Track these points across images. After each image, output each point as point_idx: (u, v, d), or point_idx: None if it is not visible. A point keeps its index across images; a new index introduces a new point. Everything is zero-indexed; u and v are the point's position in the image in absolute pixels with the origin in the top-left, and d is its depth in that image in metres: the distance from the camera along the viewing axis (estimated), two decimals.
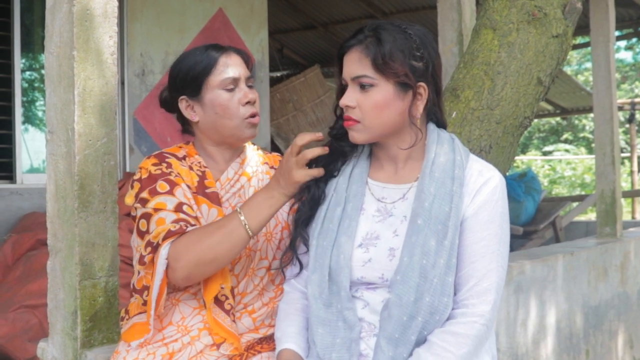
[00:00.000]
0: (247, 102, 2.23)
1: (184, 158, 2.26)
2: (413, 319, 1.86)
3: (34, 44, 6.46)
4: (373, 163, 2.11)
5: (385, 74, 1.94)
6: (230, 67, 2.23)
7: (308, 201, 2.10)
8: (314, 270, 2.02)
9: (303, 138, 2.01)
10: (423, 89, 1.97)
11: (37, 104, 6.77)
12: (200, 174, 2.22)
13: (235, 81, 2.22)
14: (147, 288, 2.07)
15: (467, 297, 1.89)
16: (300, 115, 8.63)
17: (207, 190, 2.20)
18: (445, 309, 1.87)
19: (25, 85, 6.49)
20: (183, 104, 2.27)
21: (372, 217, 2.03)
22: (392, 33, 1.96)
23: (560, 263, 4.58)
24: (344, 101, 2.00)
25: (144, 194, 2.09)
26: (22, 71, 6.25)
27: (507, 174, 2.53)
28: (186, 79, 2.24)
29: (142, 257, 2.04)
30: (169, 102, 2.32)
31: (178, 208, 2.07)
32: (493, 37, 2.72)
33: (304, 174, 2.02)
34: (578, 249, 5.05)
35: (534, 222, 8.19)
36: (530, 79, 2.68)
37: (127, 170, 6.22)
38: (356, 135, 2.01)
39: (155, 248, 2.01)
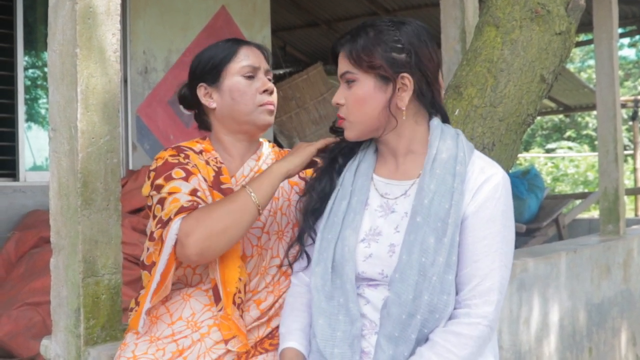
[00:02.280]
0: (265, 91, 2.27)
1: (200, 152, 2.27)
2: (412, 317, 1.86)
3: (36, 41, 6.46)
4: (379, 159, 2.12)
5: (362, 67, 1.97)
6: (251, 57, 2.28)
7: (318, 193, 2.13)
8: (318, 262, 2.03)
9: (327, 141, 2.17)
10: (407, 80, 1.96)
11: (40, 101, 6.76)
12: (216, 169, 2.24)
13: (254, 70, 2.27)
14: (155, 264, 2.05)
15: (469, 297, 1.88)
16: (303, 113, 8.64)
17: (223, 186, 2.20)
18: (445, 307, 1.86)
19: (28, 83, 6.49)
20: (202, 91, 2.30)
21: (374, 212, 2.03)
22: (374, 29, 1.99)
23: (563, 261, 4.58)
24: (334, 99, 2.06)
25: (159, 181, 2.10)
26: (25, 69, 6.25)
27: (510, 171, 2.53)
28: (206, 67, 2.28)
29: (151, 233, 2.04)
30: (187, 98, 2.36)
31: (192, 193, 2.06)
32: (496, 35, 2.71)
33: (307, 143, 2.14)
34: (581, 246, 5.05)
35: (537, 219, 8.19)
36: (533, 77, 2.68)
37: (130, 167, 6.22)
38: (346, 132, 2.07)
39: (165, 223, 1.99)
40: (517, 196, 7.93)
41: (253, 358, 2.13)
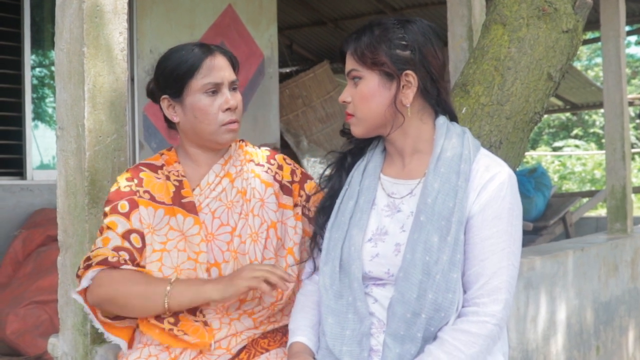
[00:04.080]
0: (228, 109, 2.22)
1: (161, 167, 2.27)
2: (417, 316, 1.86)
3: (44, 40, 6.47)
4: (386, 159, 2.13)
5: (366, 64, 1.99)
6: (214, 71, 2.21)
7: (328, 190, 2.16)
8: (326, 262, 2.04)
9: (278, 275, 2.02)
10: (412, 77, 1.98)
11: (47, 100, 6.78)
12: (176, 183, 2.24)
13: (217, 86, 2.21)
14: None
15: (477, 296, 1.88)
16: (310, 111, 8.63)
17: (184, 200, 2.21)
18: (450, 306, 1.86)
19: (35, 81, 6.50)
20: (165, 103, 2.28)
21: (381, 212, 2.04)
22: (380, 27, 2.01)
23: (571, 259, 4.57)
24: (341, 97, 2.07)
25: (107, 208, 2.17)
26: (32, 68, 6.26)
27: (517, 169, 2.52)
28: (169, 79, 2.24)
29: (79, 267, 2.11)
30: (155, 94, 2.33)
31: (126, 235, 2.13)
32: (503, 33, 2.71)
33: (246, 283, 2.02)
34: (588, 244, 5.04)
35: (544, 218, 8.17)
36: (540, 75, 2.67)
37: None
38: (353, 129, 2.08)
39: (88, 267, 2.08)
40: (524, 194, 7.92)
41: (255, 358, 2.14)
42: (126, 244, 2.12)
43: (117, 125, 2.47)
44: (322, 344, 2.01)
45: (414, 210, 1.97)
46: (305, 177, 2.41)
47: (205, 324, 2.11)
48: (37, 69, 6.59)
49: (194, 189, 2.26)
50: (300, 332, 2.06)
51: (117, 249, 2.10)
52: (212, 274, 2.16)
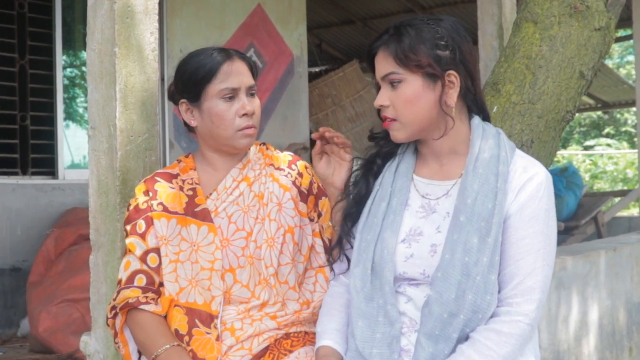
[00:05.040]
0: (244, 114, 2.22)
1: (176, 176, 2.28)
2: (454, 317, 1.85)
3: (75, 41, 6.53)
4: (418, 159, 2.10)
5: (409, 67, 1.94)
6: (231, 77, 2.21)
7: (354, 196, 2.12)
8: (357, 263, 2.02)
9: None
10: (454, 77, 1.95)
11: (78, 100, 6.85)
12: (190, 193, 2.24)
13: (234, 91, 2.21)
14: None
15: (511, 296, 1.87)
16: (339, 111, 8.63)
17: (197, 209, 2.22)
18: (488, 307, 1.85)
19: (67, 82, 6.57)
20: (183, 107, 2.28)
21: (415, 213, 2.02)
22: (414, 27, 1.97)
23: (603, 259, 4.53)
24: (378, 101, 2.02)
25: (128, 227, 2.22)
26: (64, 68, 6.33)
27: (549, 168, 2.51)
28: (188, 84, 2.24)
29: (107, 318, 2.22)
30: (175, 98, 2.34)
31: (143, 257, 2.18)
32: (534, 31, 2.69)
33: None
34: (621, 244, 4.98)
35: (576, 217, 8.10)
36: (572, 73, 2.65)
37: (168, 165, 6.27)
38: (396, 134, 2.02)
39: (115, 315, 2.18)
40: (555, 194, 7.76)
41: (285, 358, 2.13)
42: (144, 267, 2.18)
43: (149, 125, 2.48)
44: (351, 345, 1.99)
45: (450, 211, 1.95)
46: (321, 192, 2.38)
47: (218, 338, 2.12)
48: (69, 69, 6.66)
49: (211, 194, 2.26)
50: (328, 336, 2.05)
51: (136, 272, 2.17)
52: (227, 280, 2.17)
